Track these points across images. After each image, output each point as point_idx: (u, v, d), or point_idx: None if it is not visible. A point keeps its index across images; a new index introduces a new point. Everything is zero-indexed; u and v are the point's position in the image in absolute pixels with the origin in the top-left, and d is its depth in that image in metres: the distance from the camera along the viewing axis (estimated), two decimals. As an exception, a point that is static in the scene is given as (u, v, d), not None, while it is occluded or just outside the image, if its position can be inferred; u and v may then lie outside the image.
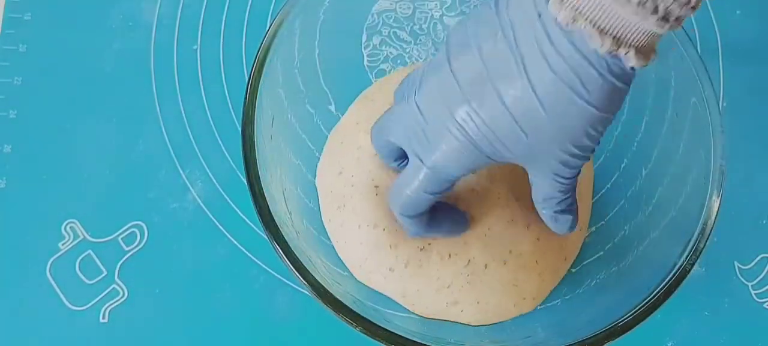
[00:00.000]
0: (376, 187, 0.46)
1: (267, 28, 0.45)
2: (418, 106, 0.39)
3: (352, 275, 0.47)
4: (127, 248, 0.51)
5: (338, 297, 0.40)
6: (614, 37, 0.33)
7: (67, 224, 0.51)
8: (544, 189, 0.41)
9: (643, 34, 0.33)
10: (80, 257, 0.50)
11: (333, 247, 0.47)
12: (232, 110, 0.54)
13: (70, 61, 0.55)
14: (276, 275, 0.50)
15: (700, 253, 0.42)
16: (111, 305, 0.49)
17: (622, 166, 0.50)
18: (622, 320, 0.40)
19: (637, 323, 0.40)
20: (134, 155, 0.53)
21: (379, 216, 0.46)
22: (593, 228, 0.49)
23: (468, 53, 0.36)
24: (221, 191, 0.52)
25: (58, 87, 0.54)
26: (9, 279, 0.49)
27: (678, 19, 0.32)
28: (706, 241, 0.42)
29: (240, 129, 0.43)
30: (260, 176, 0.42)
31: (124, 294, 0.50)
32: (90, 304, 0.49)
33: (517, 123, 0.36)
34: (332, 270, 0.45)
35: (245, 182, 0.42)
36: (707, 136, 0.44)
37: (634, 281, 0.44)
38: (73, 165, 0.52)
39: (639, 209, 0.47)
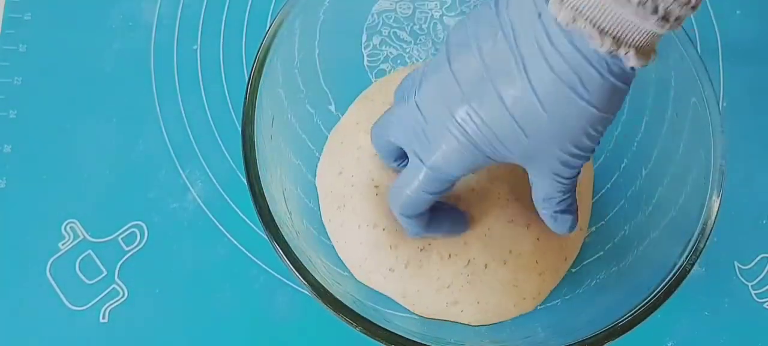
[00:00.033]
0: (376, 187, 0.46)
1: (267, 28, 0.45)
2: (418, 106, 0.39)
3: (352, 275, 0.47)
4: (127, 248, 0.51)
5: (338, 297, 0.40)
6: (614, 37, 0.33)
7: (67, 224, 0.51)
8: (544, 189, 0.41)
9: (643, 34, 0.33)
10: (80, 257, 0.50)
11: (333, 247, 0.47)
12: (232, 110, 0.54)
13: (70, 61, 0.55)
14: (276, 275, 0.50)
15: (700, 253, 0.42)
16: (111, 305, 0.49)
17: (622, 166, 0.50)
18: (622, 320, 0.40)
19: (637, 323, 0.40)
20: (134, 155, 0.53)
21: (379, 216, 0.46)
22: (593, 228, 0.49)
23: (468, 53, 0.36)
24: (221, 191, 0.52)
25: (58, 87, 0.54)
26: (9, 279, 0.49)
27: (678, 20, 0.32)
28: (706, 241, 0.42)
29: (240, 129, 0.43)
30: (260, 176, 0.42)
31: (124, 294, 0.50)
32: (90, 304, 0.49)
33: (517, 123, 0.36)
34: (332, 270, 0.45)
35: (245, 181, 0.42)
36: (707, 136, 0.43)
37: (634, 281, 0.44)
38: (73, 165, 0.52)
39: (639, 209, 0.47)
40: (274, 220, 0.41)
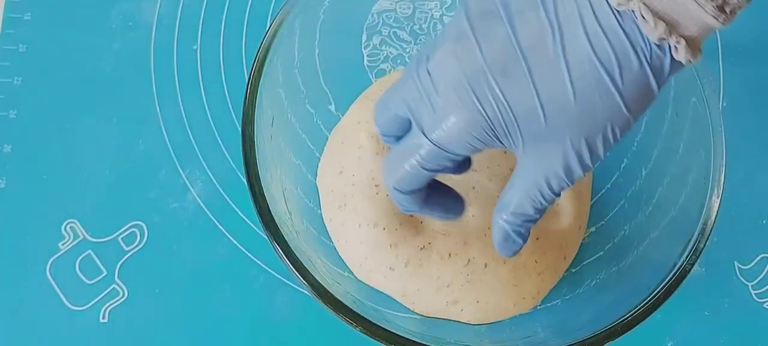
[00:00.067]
0: (377, 186, 0.46)
1: (267, 28, 0.45)
2: (429, 73, 0.36)
3: (352, 275, 0.47)
4: (127, 248, 0.51)
5: (338, 297, 0.40)
6: (667, 24, 0.32)
7: (67, 224, 0.51)
8: (521, 194, 0.38)
9: (697, 24, 0.32)
10: (80, 257, 0.50)
11: (333, 247, 0.47)
12: (232, 110, 0.54)
13: (70, 61, 0.55)
14: (276, 275, 0.50)
15: (700, 253, 0.42)
16: (111, 305, 0.49)
17: (622, 166, 0.50)
18: (622, 320, 0.40)
19: (637, 323, 0.40)
20: (134, 155, 0.53)
21: (380, 215, 0.46)
22: (593, 228, 0.49)
23: (494, 22, 0.34)
24: (221, 191, 0.52)
25: (58, 87, 0.54)
26: (9, 279, 0.49)
27: (733, 11, 0.32)
28: (706, 241, 0.42)
29: (240, 129, 0.43)
30: (260, 176, 0.42)
31: (124, 294, 0.50)
32: (90, 304, 0.49)
33: (540, 103, 0.34)
34: (332, 270, 0.45)
35: (245, 181, 0.42)
36: (707, 136, 0.43)
37: (634, 281, 0.44)
38: (73, 165, 0.52)
39: (639, 209, 0.47)
40: (274, 220, 0.41)
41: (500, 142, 0.36)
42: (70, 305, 0.49)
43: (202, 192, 0.52)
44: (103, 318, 0.49)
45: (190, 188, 0.52)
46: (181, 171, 0.52)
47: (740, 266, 0.52)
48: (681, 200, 0.44)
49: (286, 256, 0.40)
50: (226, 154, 0.53)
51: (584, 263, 0.48)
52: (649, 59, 0.33)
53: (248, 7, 0.57)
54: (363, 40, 0.54)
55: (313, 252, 0.44)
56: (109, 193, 0.52)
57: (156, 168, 0.52)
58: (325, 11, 0.48)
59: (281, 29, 0.45)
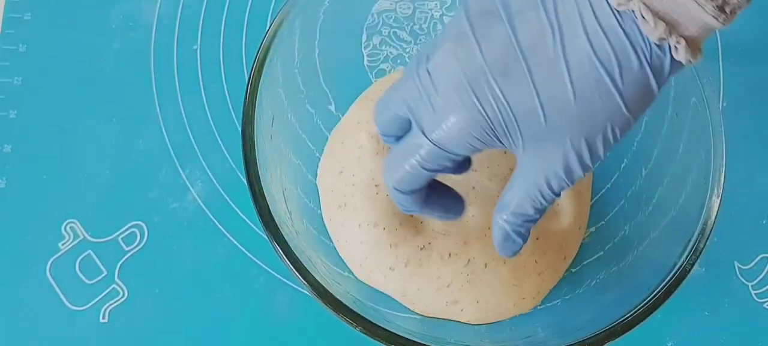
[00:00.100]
0: (377, 186, 0.46)
1: (267, 28, 0.45)
2: (429, 73, 0.36)
3: (352, 274, 0.47)
4: (127, 248, 0.51)
5: (338, 297, 0.40)
6: (667, 24, 0.32)
7: (67, 224, 0.51)
8: (520, 195, 0.38)
9: (697, 24, 0.32)
10: (80, 257, 0.50)
11: (333, 247, 0.47)
12: (232, 110, 0.54)
13: (70, 61, 0.55)
14: (276, 275, 0.50)
15: (700, 253, 0.42)
16: (111, 305, 0.49)
17: (622, 166, 0.50)
18: (622, 320, 0.40)
19: (637, 323, 0.40)
20: (134, 155, 0.53)
21: (380, 215, 0.46)
22: (593, 228, 0.49)
23: (495, 22, 0.34)
24: (221, 191, 0.52)
25: (58, 87, 0.54)
26: (9, 279, 0.49)
27: (733, 11, 0.32)
28: (706, 241, 0.42)
29: (240, 129, 0.43)
30: (260, 176, 0.42)
31: (124, 294, 0.50)
32: (90, 304, 0.49)
33: (540, 104, 0.34)
34: (332, 270, 0.45)
35: (245, 181, 0.42)
36: (707, 136, 0.43)
37: (634, 281, 0.44)
38: (73, 165, 0.52)
39: (639, 209, 0.47)
40: (274, 220, 0.41)
41: (500, 142, 0.36)
42: (70, 305, 0.49)
43: (202, 192, 0.52)
44: (103, 318, 0.49)
45: (190, 188, 0.52)
46: (181, 171, 0.52)
47: (740, 266, 0.52)
48: (681, 200, 0.44)
49: (286, 256, 0.40)
50: (226, 154, 0.53)
51: (584, 263, 0.48)
52: (649, 59, 0.33)
53: (248, 7, 0.57)
54: (363, 40, 0.54)
55: (313, 252, 0.44)
56: (109, 193, 0.52)
57: (156, 168, 0.52)
58: (325, 11, 0.48)
59: (281, 29, 0.45)
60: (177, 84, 0.55)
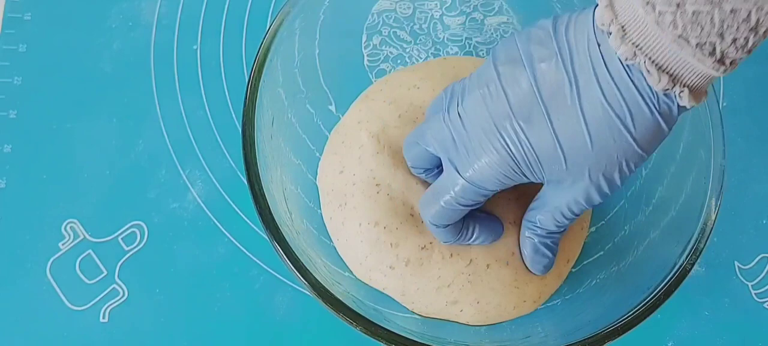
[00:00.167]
0: (377, 185, 0.46)
1: (267, 28, 0.45)
2: (460, 117, 0.39)
3: (352, 274, 0.47)
4: (127, 248, 0.51)
5: (338, 297, 0.40)
6: (671, 76, 0.34)
7: (67, 224, 0.51)
8: (544, 216, 0.42)
9: (698, 75, 0.34)
10: (80, 257, 0.50)
11: (333, 247, 0.47)
12: (232, 110, 0.54)
13: (70, 61, 0.55)
14: (276, 275, 0.50)
15: (700, 253, 0.42)
16: (111, 305, 0.49)
17: (622, 166, 0.50)
18: (622, 320, 0.40)
19: (637, 323, 0.40)
20: (134, 155, 0.53)
21: (380, 214, 0.46)
22: (593, 228, 0.49)
23: (519, 71, 0.37)
24: (221, 191, 0.52)
25: (58, 87, 0.54)
26: (9, 279, 0.49)
27: (733, 63, 0.33)
28: (706, 241, 0.42)
29: (240, 129, 0.43)
30: (260, 176, 0.42)
31: (124, 294, 0.50)
32: (90, 304, 0.49)
33: (561, 149, 0.37)
34: (332, 270, 0.45)
35: (245, 181, 0.42)
36: (707, 137, 0.44)
37: (634, 281, 0.44)
38: (73, 165, 0.52)
39: (639, 209, 0.47)
40: (274, 220, 0.41)
41: (526, 177, 0.40)
42: (70, 305, 0.49)
43: (202, 192, 0.52)
44: (103, 318, 0.49)
45: (190, 187, 0.52)
46: (181, 171, 0.52)
47: (740, 266, 0.52)
48: (681, 200, 0.44)
49: (286, 256, 0.40)
50: (226, 154, 0.53)
51: (584, 263, 0.48)
52: (657, 106, 0.35)
53: (248, 7, 0.57)
54: (363, 40, 0.54)
55: (313, 252, 0.44)
56: (109, 193, 0.52)
57: (156, 168, 0.52)
58: (325, 11, 0.48)
59: (281, 29, 0.45)
60: (177, 84, 0.55)
